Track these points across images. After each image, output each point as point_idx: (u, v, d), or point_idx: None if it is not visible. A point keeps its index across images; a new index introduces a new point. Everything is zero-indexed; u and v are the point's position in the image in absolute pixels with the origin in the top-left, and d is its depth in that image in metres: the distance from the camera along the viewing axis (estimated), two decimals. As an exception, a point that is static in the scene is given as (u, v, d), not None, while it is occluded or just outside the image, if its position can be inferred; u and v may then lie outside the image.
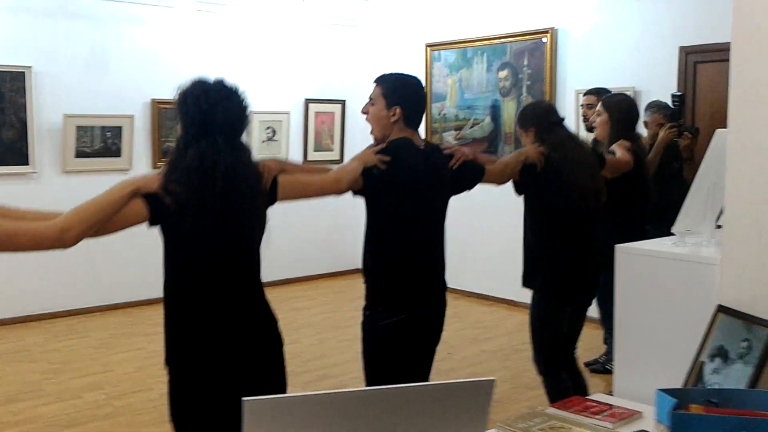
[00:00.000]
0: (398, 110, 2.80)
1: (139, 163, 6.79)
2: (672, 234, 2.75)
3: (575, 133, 3.77)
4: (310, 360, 5.30)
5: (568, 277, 3.45)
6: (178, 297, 2.33)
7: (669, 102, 5.04)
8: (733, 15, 2.13)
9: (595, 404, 2.16)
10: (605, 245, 3.54)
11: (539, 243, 3.48)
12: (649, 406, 2.08)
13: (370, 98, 2.88)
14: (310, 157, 7.87)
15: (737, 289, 2.10)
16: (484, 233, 7.03)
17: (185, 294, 2.32)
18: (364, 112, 2.91)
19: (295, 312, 6.57)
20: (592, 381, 3.92)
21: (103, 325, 6.27)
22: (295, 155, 7.72)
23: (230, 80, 2.35)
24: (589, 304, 3.69)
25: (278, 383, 2.44)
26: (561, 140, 3.42)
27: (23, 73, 6.13)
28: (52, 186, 6.25)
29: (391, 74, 2.92)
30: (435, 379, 3.07)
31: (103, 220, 2.13)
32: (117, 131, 6.64)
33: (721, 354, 2.03)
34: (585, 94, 5.28)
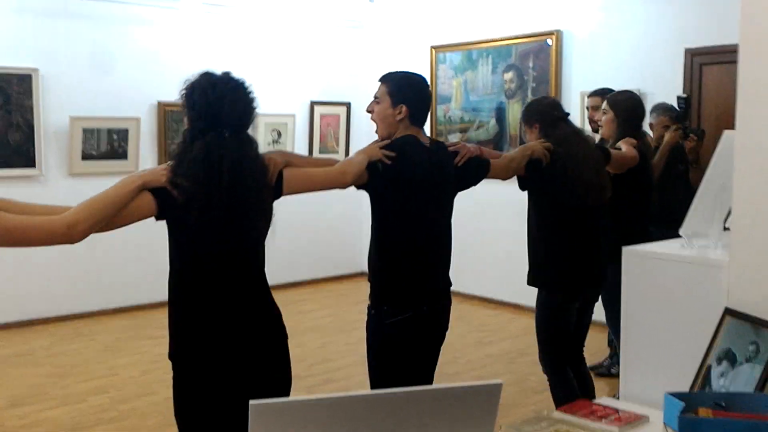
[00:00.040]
0: (404, 108, 2.80)
1: (146, 166, 6.77)
2: (679, 236, 2.74)
3: (580, 128, 3.77)
4: (314, 364, 5.29)
5: (574, 273, 3.45)
6: (184, 291, 2.33)
7: (674, 104, 5.02)
8: (741, 16, 2.12)
9: (601, 408, 2.15)
10: (610, 241, 3.55)
11: (545, 239, 3.48)
12: (655, 409, 2.07)
13: (376, 97, 2.88)
14: (315, 160, 7.86)
15: (745, 291, 2.09)
16: (489, 237, 7.02)
17: (190, 288, 2.32)
18: (369, 110, 2.90)
19: (300, 315, 6.56)
20: (596, 385, 3.90)
21: (109, 329, 6.27)
22: (300, 158, 7.71)
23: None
24: (596, 299, 3.70)
25: (283, 376, 2.44)
26: (566, 136, 3.42)
27: (30, 75, 6.15)
28: (58, 188, 6.26)
29: (396, 72, 2.92)
30: (439, 382, 3.06)
31: (110, 215, 2.13)
32: (123, 133, 6.65)
33: (729, 357, 2.02)
34: (590, 96, 5.26)
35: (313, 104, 7.83)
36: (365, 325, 2.89)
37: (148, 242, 5.91)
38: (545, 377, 3.67)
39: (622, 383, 2.69)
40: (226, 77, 2.31)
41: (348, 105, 8.02)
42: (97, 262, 6.54)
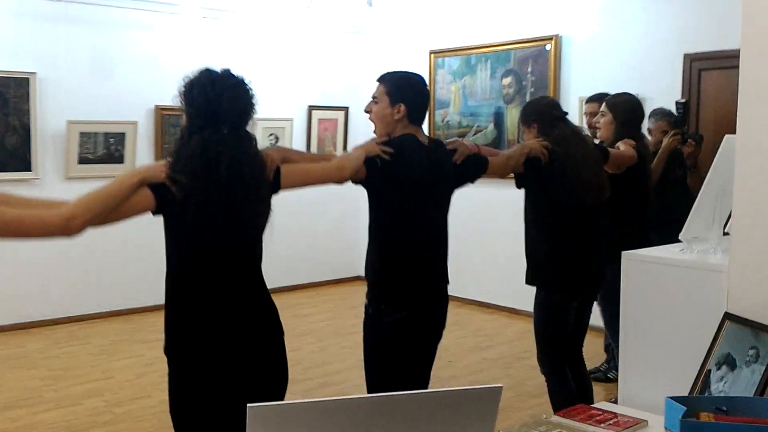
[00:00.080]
0: (402, 107, 2.80)
1: (142, 169, 6.77)
2: (678, 241, 2.73)
3: (579, 128, 3.77)
4: (311, 367, 5.28)
5: (573, 272, 3.45)
6: (181, 287, 2.32)
7: (673, 109, 5.02)
8: (742, 17, 2.12)
9: (599, 412, 2.14)
10: (608, 241, 3.55)
11: (543, 238, 3.48)
12: (654, 414, 2.06)
13: (374, 96, 2.87)
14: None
15: (745, 296, 2.09)
16: (485, 241, 7.01)
17: (188, 284, 2.31)
18: (368, 110, 2.90)
19: (297, 319, 6.54)
20: (594, 390, 3.89)
21: (104, 332, 6.25)
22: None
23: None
24: (594, 298, 3.70)
25: (280, 373, 2.43)
26: (564, 135, 3.41)
27: (27, 79, 6.13)
28: (54, 192, 6.21)
29: (394, 72, 2.92)
30: (436, 386, 3.04)
31: (108, 210, 2.13)
32: (120, 137, 6.63)
33: (728, 362, 2.01)
34: (587, 101, 5.25)
35: (311, 109, 7.83)
36: (362, 324, 2.87)
37: (144, 246, 5.91)
38: (542, 381, 3.66)
39: (621, 387, 2.68)
40: (226, 74, 2.32)
41: (346, 110, 8.02)
42: (93, 265, 6.52)
